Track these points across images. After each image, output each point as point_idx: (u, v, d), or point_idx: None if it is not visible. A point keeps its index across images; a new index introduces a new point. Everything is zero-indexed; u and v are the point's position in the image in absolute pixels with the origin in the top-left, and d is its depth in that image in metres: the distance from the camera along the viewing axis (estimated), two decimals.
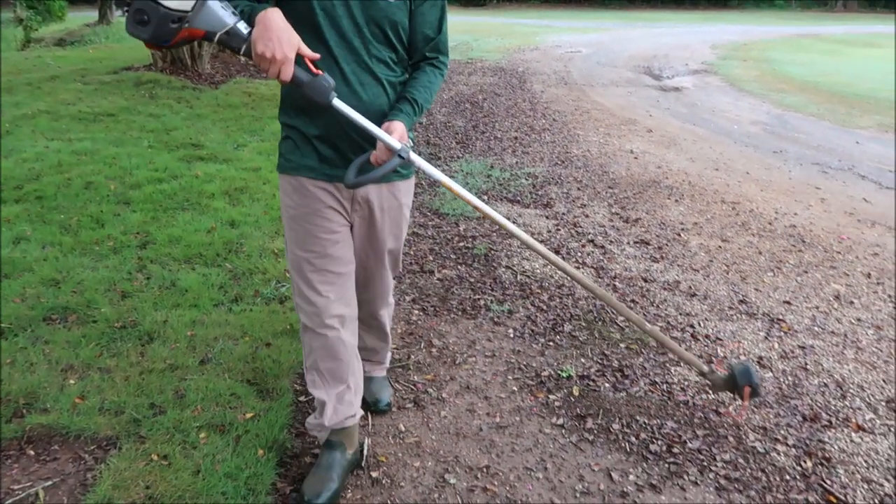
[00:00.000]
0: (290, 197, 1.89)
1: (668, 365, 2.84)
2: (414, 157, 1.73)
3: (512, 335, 3.05)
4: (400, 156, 1.67)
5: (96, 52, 12.03)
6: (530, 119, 7.96)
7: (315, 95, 1.62)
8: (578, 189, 5.23)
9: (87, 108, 7.05)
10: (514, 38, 18.25)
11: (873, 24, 27.34)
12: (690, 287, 3.60)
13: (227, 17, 1.58)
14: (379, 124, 1.74)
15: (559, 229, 4.38)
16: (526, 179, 5.49)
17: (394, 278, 2.24)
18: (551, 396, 2.60)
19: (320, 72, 1.63)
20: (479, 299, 3.38)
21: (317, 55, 1.67)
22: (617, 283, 3.60)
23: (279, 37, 1.56)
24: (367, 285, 2.13)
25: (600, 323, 3.17)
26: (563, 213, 4.67)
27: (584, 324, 3.16)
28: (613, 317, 3.22)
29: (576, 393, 2.62)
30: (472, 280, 3.59)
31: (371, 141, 1.77)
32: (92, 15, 17.85)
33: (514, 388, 2.64)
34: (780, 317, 3.32)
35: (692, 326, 3.18)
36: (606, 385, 2.68)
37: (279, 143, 1.94)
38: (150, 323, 2.79)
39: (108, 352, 2.60)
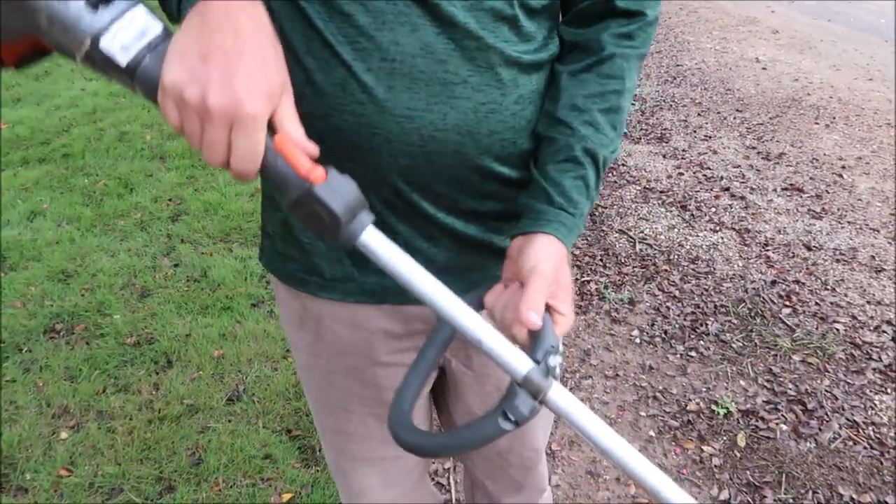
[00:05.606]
0: (292, 327, 0.92)
1: (867, 391, 2.02)
2: (560, 395, 0.59)
3: (638, 339, 2.28)
4: (514, 416, 0.57)
5: None
6: None
7: (315, 223, 0.58)
8: (699, 115, 4.25)
9: None
10: None
11: None
12: (874, 257, 2.70)
13: (87, 16, 0.53)
14: (480, 197, 0.77)
15: (681, 173, 3.48)
16: (632, 104, 4.52)
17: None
18: (706, 448, 1.85)
19: (331, 172, 0.57)
20: (588, 282, 2.60)
21: (314, 149, 0.57)
22: (771, 254, 2.73)
23: (236, 54, 0.52)
24: (500, 480, 1.08)
25: (758, 319, 2.35)
26: (684, 150, 3.75)
27: (735, 321, 2.35)
28: (776, 310, 2.39)
29: (741, 443, 1.86)
30: (576, 253, 2.80)
31: (477, 216, 0.79)
32: None
33: (652, 433, 1.91)
34: None
35: (891, 324, 2.31)
36: (784, 427, 1.90)
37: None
38: (170, 338, 2.19)
39: (114, 385, 2.02)
